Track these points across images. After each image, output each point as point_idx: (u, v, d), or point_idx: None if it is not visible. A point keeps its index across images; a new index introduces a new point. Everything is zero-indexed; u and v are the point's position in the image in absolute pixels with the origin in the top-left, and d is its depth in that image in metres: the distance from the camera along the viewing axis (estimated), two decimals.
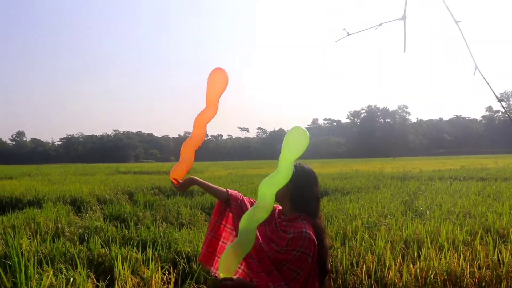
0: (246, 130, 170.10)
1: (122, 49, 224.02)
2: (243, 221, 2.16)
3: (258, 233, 2.35)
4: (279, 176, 2.18)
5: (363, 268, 4.70)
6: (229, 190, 2.70)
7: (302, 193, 2.37)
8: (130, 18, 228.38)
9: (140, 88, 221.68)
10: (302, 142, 2.16)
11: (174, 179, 2.73)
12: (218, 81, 2.59)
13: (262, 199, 2.16)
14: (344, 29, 1.60)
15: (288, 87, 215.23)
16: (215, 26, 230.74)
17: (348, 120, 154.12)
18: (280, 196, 2.33)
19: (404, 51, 1.48)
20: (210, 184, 2.73)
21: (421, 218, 7.57)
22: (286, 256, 2.22)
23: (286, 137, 2.19)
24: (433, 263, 4.63)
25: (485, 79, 1.46)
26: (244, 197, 2.69)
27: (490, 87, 1.48)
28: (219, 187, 2.73)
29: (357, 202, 9.87)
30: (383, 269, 4.66)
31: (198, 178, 2.75)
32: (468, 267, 4.59)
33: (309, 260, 2.22)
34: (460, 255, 4.84)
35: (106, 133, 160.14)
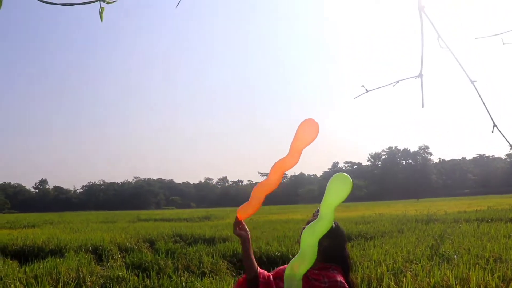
0: (266, 175, 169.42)
1: (142, 97, 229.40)
2: (288, 271, 2.20)
3: None
4: (321, 223, 2.23)
5: None
6: (259, 268, 2.64)
7: (336, 250, 2.44)
8: (149, 67, 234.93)
9: (161, 135, 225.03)
10: (345, 188, 2.21)
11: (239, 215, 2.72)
12: (308, 132, 2.51)
13: (305, 247, 2.20)
14: (363, 86, 1.64)
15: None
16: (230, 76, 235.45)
17: (369, 163, 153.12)
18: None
19: (423, 107, 1.50)
20: (251, 251, 2.61)
21: (449, 263, 7.34)
22: None
23: (330, 183, 2.24)
24: None
25: (503, 135, 1.46)
26: (270, 275, 2.61)
27: (508, 142, 1.49)
28: (254, 262, 2.63)
29: (381, 247, 9.65)
30: None
31: (249, 238, 2.62)
32: None
33: None
34: None
35: (127, 180, 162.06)
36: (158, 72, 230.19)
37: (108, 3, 1.83)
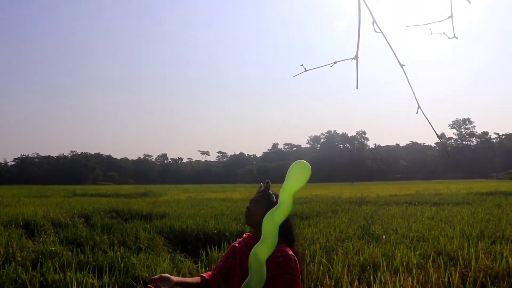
0: (207, 153, 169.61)
1: (81, 67, 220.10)
2: (251, 259, 2.22)
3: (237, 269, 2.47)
4: (281, 209, 2.28)
5: None
6: (203, 274, 2.68)
7: (286, 223, 2.46)
8: (89, 32, 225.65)
9: (100, 108, 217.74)
10: (304, 175, 2.28)
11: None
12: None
13: (267, 233, 2.23)
14: (302, 65, 1.71)
15: (249, 111, 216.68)
16: (177, 44, 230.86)
17: (308, 145, 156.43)
18: (258, 219, 2.45)
19: (357, 88, 1.60)
20: (183, 278, 2.61)
21: (378, 242, 7.74)
22: (280, 279, 2.38)
23: (290, 170, 2.30)
24: (388, 286, 4.75)
25: (427, 119, 1.60)
26: (212, 272, 2.68)
27: (431, 125, 1.62)
28: (192, 278, 2.67)
29: (315, 226, 10.00)
30: None
31: (172, 277, 2.49)
32: None
33: (298, 280, 2.41)
34: (413, 278, 4.99)
35: (63, 154, 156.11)
36: (101, 43, 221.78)
37: None
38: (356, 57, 1.59)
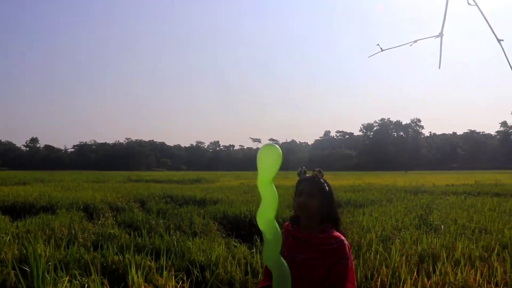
0: (258, 141, 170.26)
1: (138, 58, 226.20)
2: (267, 260, 2.24)
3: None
4: (267, 204, 2.22)
5: (377, 281, 4.65)
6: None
7: (331, 205, 2.49)
8: (146, 27, 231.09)
9: (154, 97, 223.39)
10: (274, 159, 2.16)
11: None
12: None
13: (263, 230, 2.24)
14: (378, 44, 1.58)
15: (302, 98, 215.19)
16: (231, 41, 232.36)
17: (360, 133, 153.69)
18: (313, 212, 2.45)
19: (439, 68, 1.47)
20: None
21: (436, 232, 7.48)
22: (339, 267, 2.36)
23: (258, 158, 2.17)
24: (449, 278, 4.57)
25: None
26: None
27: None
28: None
29: (370, 215, 9.79)
30: (398, 283, 4.61)
31: None
32: (485, 283, 4.52)
33: (352, 265, 2.40)
34: (476, 271, 4.77)
35: (118, 141, 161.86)
36: (155, 33, 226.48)
37: None
38: (441, 34, 1.45)
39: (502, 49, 1.40)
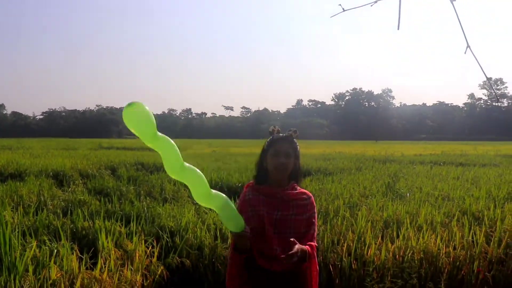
0: (231, 108, 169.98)
1: (106, 24, 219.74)
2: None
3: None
4: (163, 156, 2.33)
5: (343, 246, 4.80)
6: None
7: (299, 164, 2.67)
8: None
9: (124, 63, 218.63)
10: (141, 121, 2.00)
11: None
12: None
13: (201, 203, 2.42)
14: (340, 4, 1.58)
15: (274, 65, 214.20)
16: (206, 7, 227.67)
17: (332, 102, 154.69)
18: (289, 172, 2.59)
19: (398, 28, 1.50)
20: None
21: (402, 200, 7.72)
22: (313, 219, 2.60)
23: (128, 124, 2.01)
24: (411, 243, 4.76)
25: (475, 58, 1.49)
26: None
27: (479, 65, 1.52)
28: None
29: (339, 182, 10.00)
30: (363, 248, 4.77)
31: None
32: (444, 247, 4.73)
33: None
34: (437, 236, 4.98)
35: (89, 108, 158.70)
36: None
37: None
38: None
39: (455, 10, 1.44)
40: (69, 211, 6.51)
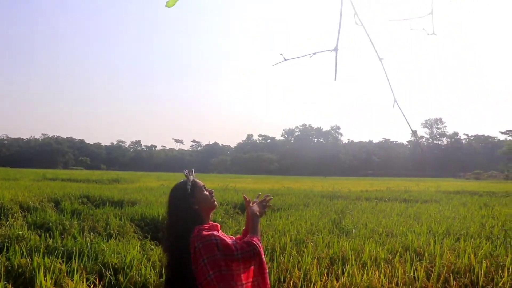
0: (181, 142, 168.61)
1: (59, 48, 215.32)
2: None
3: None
4: None
5: (290, 283, 4.83)
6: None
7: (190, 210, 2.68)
8: (65, 14, 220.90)
9: (73, 92, 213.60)
10: None
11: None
12: None
13: None
14: (281, 54, 1.71)
15: (225, 101, 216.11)
16: (146, 37, 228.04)
17: (282, 138, 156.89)
18: None
19: (335, 79, 1.62)
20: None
21: (347, 236, 7.87)
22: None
23: None
24: (356, 279, 4.85)
25: (402, 113, 1.63)
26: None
27: (406, 120, 1.66)
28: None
29: (287, 218, 10.09)
30: (309, 285, 4.82)
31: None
32: (387, 283, 4.86)
33: None
34: (381, 272, 5.10)
35: (34, 136, 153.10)
36: (77, 25, 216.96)
37: None
38: (336, 49, 1.60)
39: (383, 67, 1.59)
40: (5, 247, 6.19)
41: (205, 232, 2.46)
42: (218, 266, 2.36)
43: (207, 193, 2.65)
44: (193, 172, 2.74)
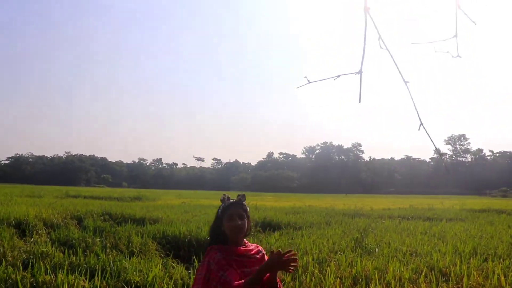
0: (202, 160, 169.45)
1: (80, 71, 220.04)
2: None
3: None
4: None
5: None
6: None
7: (250, 223, 2.93)
8: (88, 31, 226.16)
9: (97, 111, 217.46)
10: None
11: None
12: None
13: None
14: (305, 77, 1.73)
15: (246, 119, 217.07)
16: (172, 53, 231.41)
17: (303, 156, 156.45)
18: (244, 231, 2.83)
19: (359, 102, 1.62)
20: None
21: (370, 255, 7.74)
22: None
23: None
24: None
25: (428, 135, 1.62)
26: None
27: (432, 142, 1.64)
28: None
29: (308, 237, 9.99)
30: None
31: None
32: None
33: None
34: None
35: (57, 154, 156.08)
36: (102, 43, 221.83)
37: None
38: (360, 72, 1.60)
39: (408, 90, 1.59)
40: (30, 264, 6.27)
41: (210, 252, 2.79)
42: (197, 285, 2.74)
43: (233, 223, 2.81)
44: (244, 197, 2.96)
